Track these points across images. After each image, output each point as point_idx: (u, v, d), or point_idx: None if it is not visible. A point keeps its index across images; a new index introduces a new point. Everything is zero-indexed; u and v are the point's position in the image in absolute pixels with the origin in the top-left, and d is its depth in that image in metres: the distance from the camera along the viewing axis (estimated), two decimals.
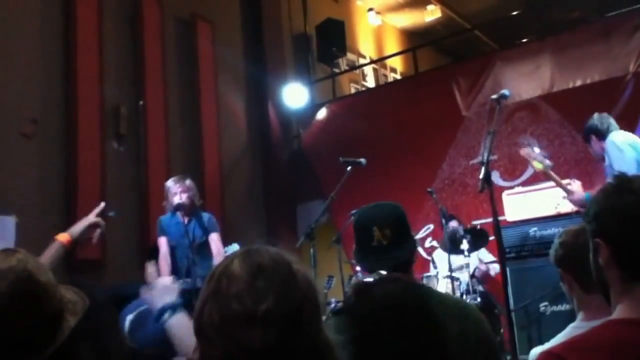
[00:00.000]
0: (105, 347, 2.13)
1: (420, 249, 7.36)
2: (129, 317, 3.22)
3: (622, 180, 1.64)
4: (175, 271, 5.92)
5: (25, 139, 6.77)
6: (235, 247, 5.74)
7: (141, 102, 8.00)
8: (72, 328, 1.53)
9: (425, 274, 6.88)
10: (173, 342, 2.23)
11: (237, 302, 1.32)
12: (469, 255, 6.42)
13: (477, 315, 2.48)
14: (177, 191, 6.02)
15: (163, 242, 6.10)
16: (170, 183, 6.13)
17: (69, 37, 7.38)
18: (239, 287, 1.34)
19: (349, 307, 2.42)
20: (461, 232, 6.57)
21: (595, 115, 5.53)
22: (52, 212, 6.89)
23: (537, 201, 6.53)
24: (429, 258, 7.33)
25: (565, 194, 5.43)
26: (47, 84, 7.12)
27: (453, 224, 6.99)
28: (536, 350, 2.20)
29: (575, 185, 5.39)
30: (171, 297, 2.39)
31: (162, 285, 2.50)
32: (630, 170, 4.85)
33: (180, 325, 2.25)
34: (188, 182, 6.13)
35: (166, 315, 2.32)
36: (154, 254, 6.27)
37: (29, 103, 6.89)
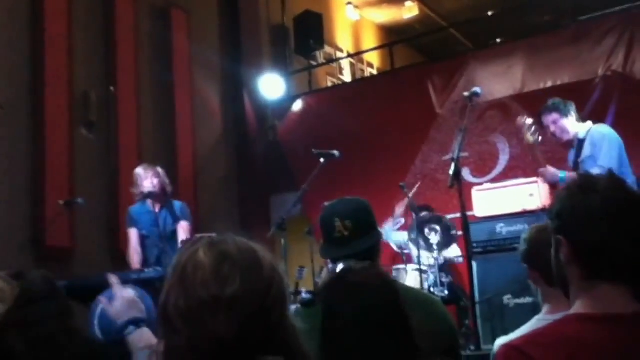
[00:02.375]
0: (41, 338, 2.05)
1: (390, 242, 7.40)
2: (100, 307, 3.14)
3: (587, 179, 1.67)
4: (146, 261, 5.88)
5: None
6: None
7: (112, 88, 7.84)
8: (2, 315, 1.48)
9: (395, 267, 6.94)
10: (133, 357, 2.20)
11: (202, 289, 1.33)
12: (436, 248, 6.48)
13: (440, 307, 2.54)
14: (148, 176, 5.95)
15: (133, 233, 6.01)
16: (140, 170, 6.05)
17: (37, 20, 7.15)
18: (204, 273, 1.35)
19: (320, 297, 2.49)
20: (428, 216, 6.66)
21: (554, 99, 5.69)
22: (18, 201, 6.75)
23: (505, 198, 6.62)
24: (399, 251, 7.38)
25: (541, 170, 5.55)
26: (14, 68, 6.93)
27: (424, 214, 7.05)
28: (500, 341, 2.24)
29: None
30: (135, 312, 2.33)
31: (126, 299, 2.39)
32: (614, 167, 4.93)
33: (142, 342, 2.21)
34: (159, 168, 6.07)
35: (129, 329, 2.27)
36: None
37: None
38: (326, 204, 2.77)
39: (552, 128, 5.57)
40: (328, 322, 1.90)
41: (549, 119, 5.58)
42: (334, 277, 2.07)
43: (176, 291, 1.36)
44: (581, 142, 5.49)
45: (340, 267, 2.23)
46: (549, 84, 7.65)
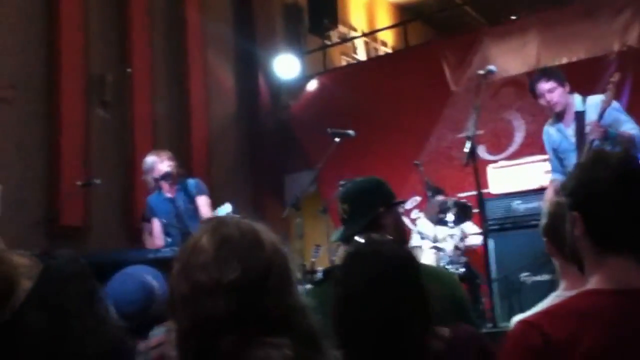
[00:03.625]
0: (66, 318, 2.09)
1: (406, 220, 7.40)
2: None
3: (600, 154, 1.68)
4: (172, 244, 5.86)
5: (5, 104, 6.65)
6: (227, 207, 5.64)
7: (129, 70, 7.89)
8: (28, 291, 1.49)
9: (410, 245, 6.93)
10: None
11: (202, 273, 1.36)
12: (453, 226, 6.47)
13: (452, 279, 2.57)
14: (163, 159, 5.93)
15: (155, 224, 6.01)
16: (153, 157, 6.01)
17: (52, 2, 7.20)
18: (204, 258, 1.38)
19: (332, 274, 2.49)
20: (447, 203, 6.61)
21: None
22: (34, 181, 6.81)
23: (521, 175, 6.58)
24: (414, 228, 7.38)
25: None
26: (29, 49, 6.98)
27: (439, 198, 7.03)
28: (517, 318, 2.24)
29: None
30: None
31: None
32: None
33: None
34: (168, 154, 6.04)
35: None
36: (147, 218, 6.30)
37: (10, 68, 6.76)
38: (341, 183, 2.82)
39: (548, 97, 5.07)
40: (343, 292, 1.91)
41: (545, 86, 5.07)
42: (348, 251, 2.08)
43: (179, 277, 1.40)
44: (580, 114, 5.07)
45: (349, 246, 2.25)
46: (564, 60, 7.57)
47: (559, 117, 5.18)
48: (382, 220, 2.65)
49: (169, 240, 5.92)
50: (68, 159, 7.02)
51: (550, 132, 5.27)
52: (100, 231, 7.21)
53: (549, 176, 5.56)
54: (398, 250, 2.02)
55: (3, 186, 6.40)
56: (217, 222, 1.47)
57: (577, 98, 5.16)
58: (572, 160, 4.98)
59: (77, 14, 7.37)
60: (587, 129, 4.88)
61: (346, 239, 2.63)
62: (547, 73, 5.20)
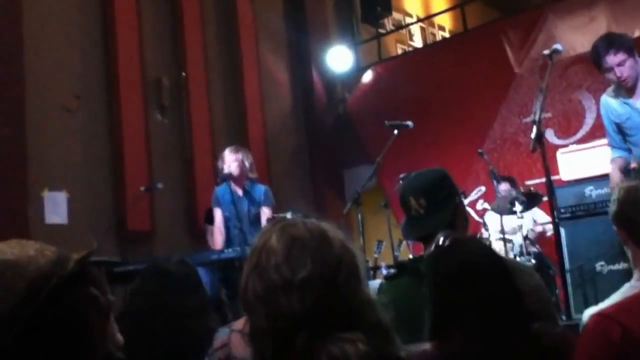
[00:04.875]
0: (181, 330, 2.33)
1: (471, 211, 7.31)
2: None
3: None
4: (229, 241, 6.10)
5: (70, 115, 6.98)
6: (288, 215, 5.74)
7: (183, 74, 8.15)
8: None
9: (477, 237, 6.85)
10: None
11: (275, 273, 1.45)
12: (522, 216, 6.36)
13: (530, 271, 2.51)
14: (230, 159, 6.17)
15: (218, 213, 6.25)
16: (227, 150, 6.28)
17: (107, 11, 7.53)
18: (277, 259, 1.47)
19: (409, 269, 2.56)
20: (514, 194, 6.50)
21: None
22: (100, 186, 7.16)
23: (593, 159, 6.42)
24: (481, 220, 7.29)
25: None
26: (88, 59, 7.30)
27: (505, 186, 6.93)
28: (590, 311, 2.19)
29: None
30: None
31: None
32: None
33: None
34: (241, 153, 6.26)
35: None
36: (209, 219, 6.59)
37: (71, 79, 7.08)
38: (402, 176, 2.77)
39: (618, 71, 4.60)
40: (438, 292, 1.90)
41: (614, 60, 4.59)
42: (439, 250, 2.11)
43: (252, 277, 1.49)
44: None
45: (440, 239, 2.21)
46: (637, 33, 7.34)
47: (630, 91, 4.79)
48: (459, 210, 2.64)
49: (228, 234, 6.15)
50: (131, 164, 7.36)
51: (612, 104, 4.87)
52: (165, 234, 7.55)
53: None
54: (487, 248, 2.03)
55: (71, 195, 6.72)
56: (285, 223, 1.55)
57: None
58: None
59: (132, 22, 7.68)
60: None
61: (429, 235, 2.52)
62: (614, 43, 4.66)
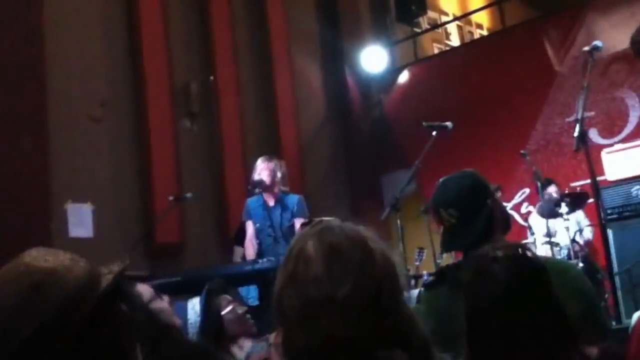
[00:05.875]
0: None
1: (515, 215, 7.34)
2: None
3: None
4: (261, 254, 6.05)
5: (95, 123, 6.92)
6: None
7: (211, 78, 8.07)
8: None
9: (522, 241, 6.88)
10: None
11: (315, 288, 1.37)
12: (567, 218, 6.38)
13: (576, 270, 2.52)
14: (261, 167, 6.16)
15: (249, 226, 6.24)
16: (258, 161, 6.26)
17: (132, 14, 7.45)
18: (316, 271, 1.38)
19: (448, 277, 2.51)
20: (559, 197, 6.53)
21: None
22: (127, 197, 7.11)
23: (639, 158, 6.42)
24: (526, 224, 7.31)
25: None
26: (113, 65, 7.25)
27: (551, 189, 6.94)
28: (638, 314, 2.22)
29: None
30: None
31: None
32: None
33: None
34: (274, 162, 6.24)
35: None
36: (240, 237, 6.51)
37: (96, 86, 7.04)
38: (441, 180, 2.77)
39: None
40: (470, 307, 1.91)
41: None
42: (468, 264, 2.11)
43: (289, 288, 1.41)
44: None
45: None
46: None
47: None
48: (494, 214, 2.58)
49: (261, 247, 6.11)
50: (159, 174, 7.27)
51: None
52: (196, 246, 7.44)
53: None
54: (528, 260, 1.97)
55: (96, 207, 6.73)
56: (322, 227, 1.47)
57: None
58: None
59: (158, 26, 7.59)
60: None
61: (465, 246, 2.55)
62: None
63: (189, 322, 3.32)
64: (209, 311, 3.30)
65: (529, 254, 1.96)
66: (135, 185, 7.23)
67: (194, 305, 3.38)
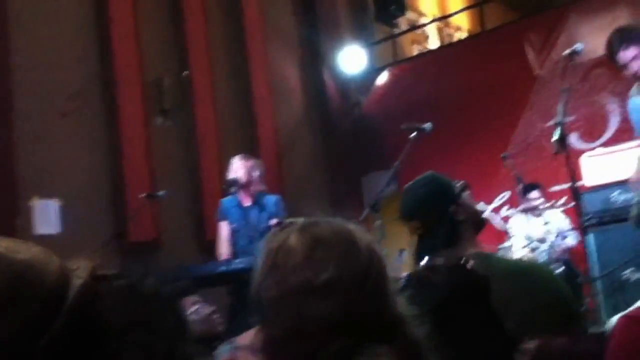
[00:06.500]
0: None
1: (496, 218, 7.41)
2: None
3: None
4: (236, 255, 6.06)
5: (63, 117, 6.82)
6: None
7: (185, 72, 8.00)
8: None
9: (501, 246, 6.95)
10: None
11: (294, 275, 1.34)
12: (548, 222, 6.46)
13: (540, 274, 2.53)
14: (237, 165, 6.15)
15: (223, 227, 6.23)
16: (234, 159, 6.25)
17: (103, 5, 7.32)
18: (296, 259, 1.36)
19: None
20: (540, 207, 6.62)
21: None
22: (97, 193, 7.03)
23: (619, 163, 6.52)
24: (505, 228, 7.38)
25: None
26: (83, 57, 7.14)
27: (535, 194, 7.02)
28: (617, 317, 2.28)
29: None
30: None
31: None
32: None
33: None
34: (251, 161, 6.23)
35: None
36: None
37: (65, 78, 6.92)
38: (404, 189, 2.81)
39: (633, 66, 4.47)
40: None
41: (627, 55, 4.46)
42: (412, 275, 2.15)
43: (267, 279, 1.39)
44: None
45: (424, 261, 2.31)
46: None
47: None
48: (458, 218, 2.62)
49: (236, 247, 6.12)
50: (131, 171, 7.18)
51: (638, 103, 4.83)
52: (172, 245, 7.38)
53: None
54: (467, 270, 2.00)
55: (66, 202, 6.64)
56: (306, 221, 1.44)
57: None
58: None
59: (129, 19, 7.45)
60: None
61: (430, 256, 2.53)
62: (624, 38, 4.52)
63: None
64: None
65: (468, 265, 1.99)
66: (107, 182, 7.14)
67: None
